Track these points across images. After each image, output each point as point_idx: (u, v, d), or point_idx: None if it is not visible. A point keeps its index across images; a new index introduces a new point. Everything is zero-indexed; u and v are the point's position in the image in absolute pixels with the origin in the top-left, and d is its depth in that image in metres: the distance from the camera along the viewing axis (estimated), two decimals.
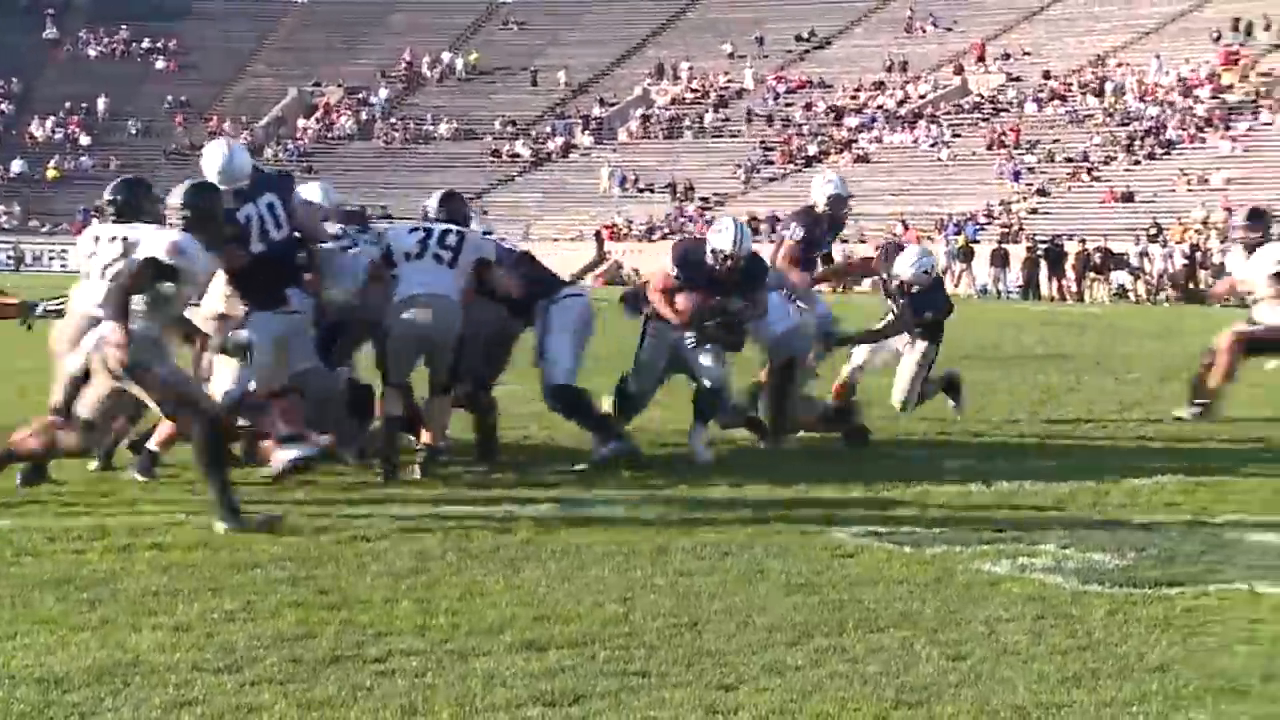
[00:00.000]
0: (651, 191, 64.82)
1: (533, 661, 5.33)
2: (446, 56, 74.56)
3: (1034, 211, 54.68)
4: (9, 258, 56.11)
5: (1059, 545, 7.62)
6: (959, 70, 63.85)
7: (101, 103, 71.97)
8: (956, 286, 49.66)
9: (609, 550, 7.28)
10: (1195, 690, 5.10)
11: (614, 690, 4.98)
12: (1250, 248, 13.03)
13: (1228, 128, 53.59)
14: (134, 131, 70.57)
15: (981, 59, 64.00)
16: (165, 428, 8.76)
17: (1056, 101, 58.96)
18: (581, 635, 5.70)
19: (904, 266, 12.10)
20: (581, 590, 6.47)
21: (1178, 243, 45.30)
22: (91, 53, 76.49)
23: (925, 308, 12.22)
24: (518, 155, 68.12)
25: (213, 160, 8.77)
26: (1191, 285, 42.17)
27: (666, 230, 64.00)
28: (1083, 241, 46.17)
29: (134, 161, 60.84)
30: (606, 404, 10.36)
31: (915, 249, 12.70)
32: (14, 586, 6.38)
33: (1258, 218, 13.24)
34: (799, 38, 70.25)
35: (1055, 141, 56.99)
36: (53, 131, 70.55)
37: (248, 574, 6.67)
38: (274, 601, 6.16)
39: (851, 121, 62.59)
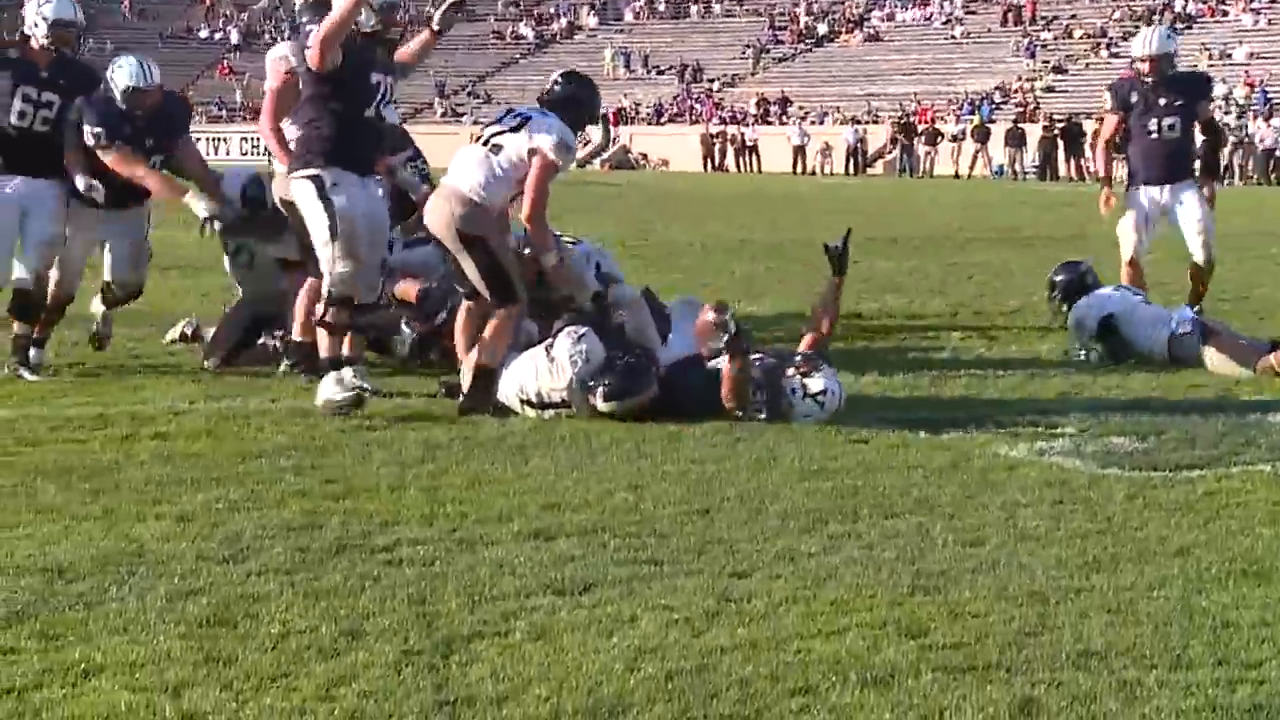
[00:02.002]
0: (659, 73, 64.33)
1: (542, 550, 5.33)
2: None
3: (1050, 89, 54.26)
4: None
5: (1077, 428, 7.60)
6: None
7: None
8: (972, 168, 49.48)
9: (618, 438, 7.28)
10: (1216, 574, 5.09)
11: (624, 579, 4.98)
12: None
13: (1250, 1, 52.94)
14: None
15: None
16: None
17: None
18: (591, 524, 5.69)
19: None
20: (590, 478, 6.47)
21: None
22: None
23: None
24: (521, 36, 67.50)
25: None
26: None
27: (674, 112, 63.76)
28: (1101, 119, 45.78)
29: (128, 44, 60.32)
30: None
31: None
32: (16, 475, 6.39)
33: None
34: None
35: (1072, 17, 56.40)
36: None
37: (252, 463, 6.67)
38: (279, 491, 6.16)
39: None
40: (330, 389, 7.78)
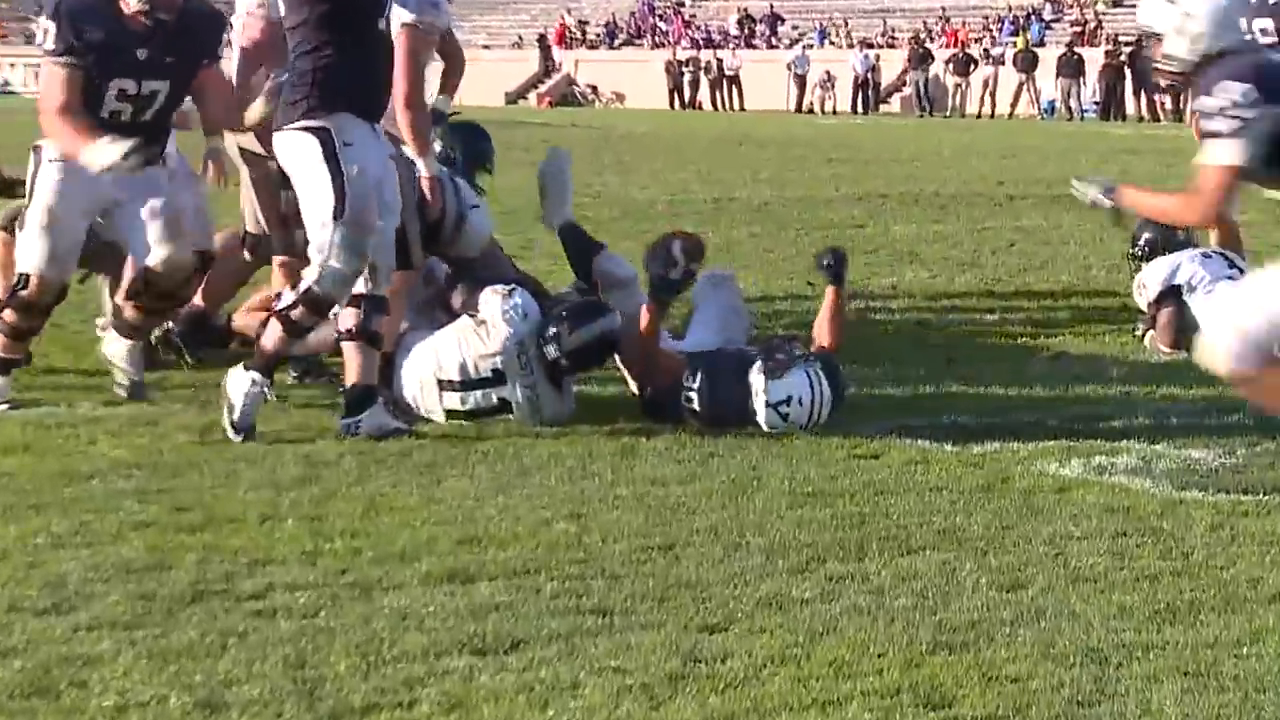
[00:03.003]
0: None
1: (458, 597, 5.32)
2: None
3: (1116, 4, 54.47)
4: None
5: (1148, 440, 7.64)
6: None
7: None
8: (1015, 104, 49.69)
9: (556, 452, 7.27)
10: None
11: (563, 633, 4.97)
12: None
13: None
14: None
15: None
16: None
17: None
18: (521, 562, 5.68)
19: None
20: (520, 504, 6.46)
21: None
22: None
23: None
24: None
25: None
26: None
27: (632, 33, 63.79)
28: None
29: None
30: None
31: None
32: None
33: None
34: None
35: None
36: None
37: (82, 486, 6.64)
38: (116, 522, 6.12)
39: None
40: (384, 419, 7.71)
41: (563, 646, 4.88)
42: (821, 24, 59.60)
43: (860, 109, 53.35)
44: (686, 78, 56.77)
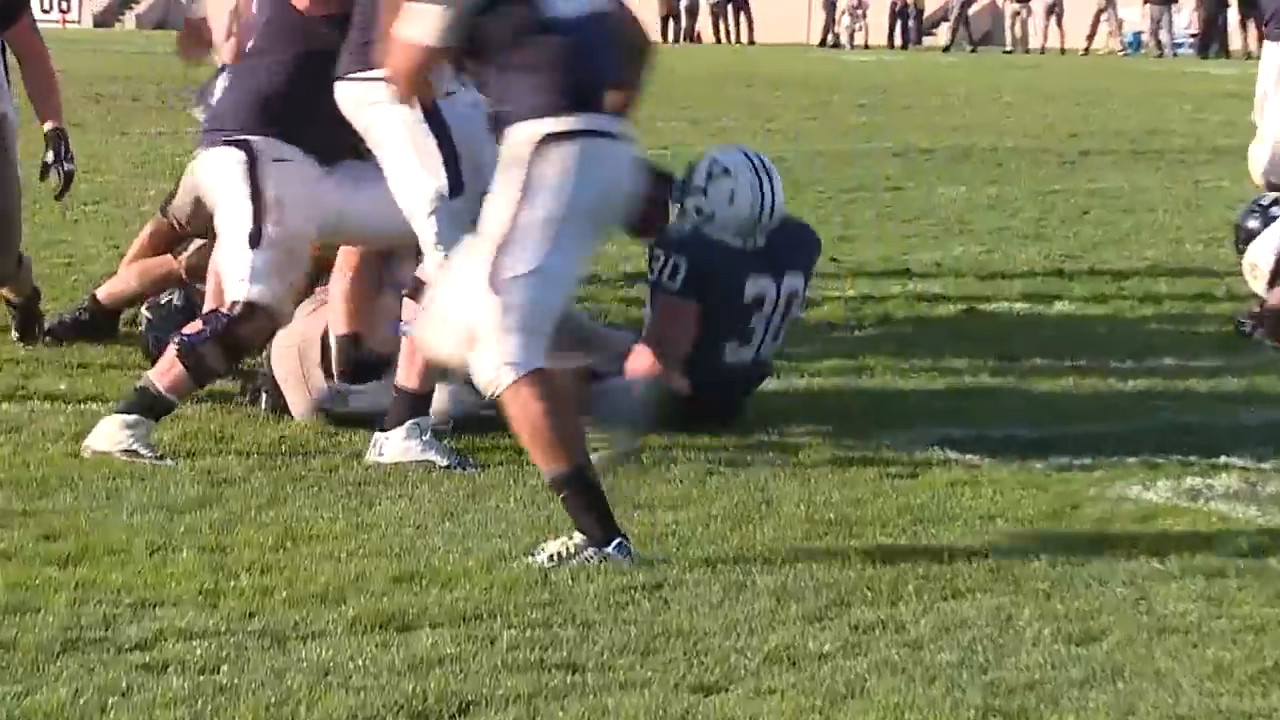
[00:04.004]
0: None
1: (393, 649, 5.32)
2: None
3: None
4: None
5: (1253, 457, 7.67)
6: None
7: None
8: (1092, 37, 49.67)
9: (516, 468, 7.24)
10: None
11: (524, 694, 4.98)
12: None
13: None
14: None
15: None
16: None
17: None
18: (472, 605, 5.69)
19: None
20: (472, 530, 6.47)
21: None
22: None
23: None
24: None
25: None
26: None
27: None
28: None
29: None
30: None
31: None
32: None
33: None
34: None
35: None
36: None
37: None
38: None
39: None
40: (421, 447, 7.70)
41: (522, 711, 4.89)
42: None
43: (898, 43, 53.37)
44: (683, 2, 56.70)
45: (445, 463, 7.38)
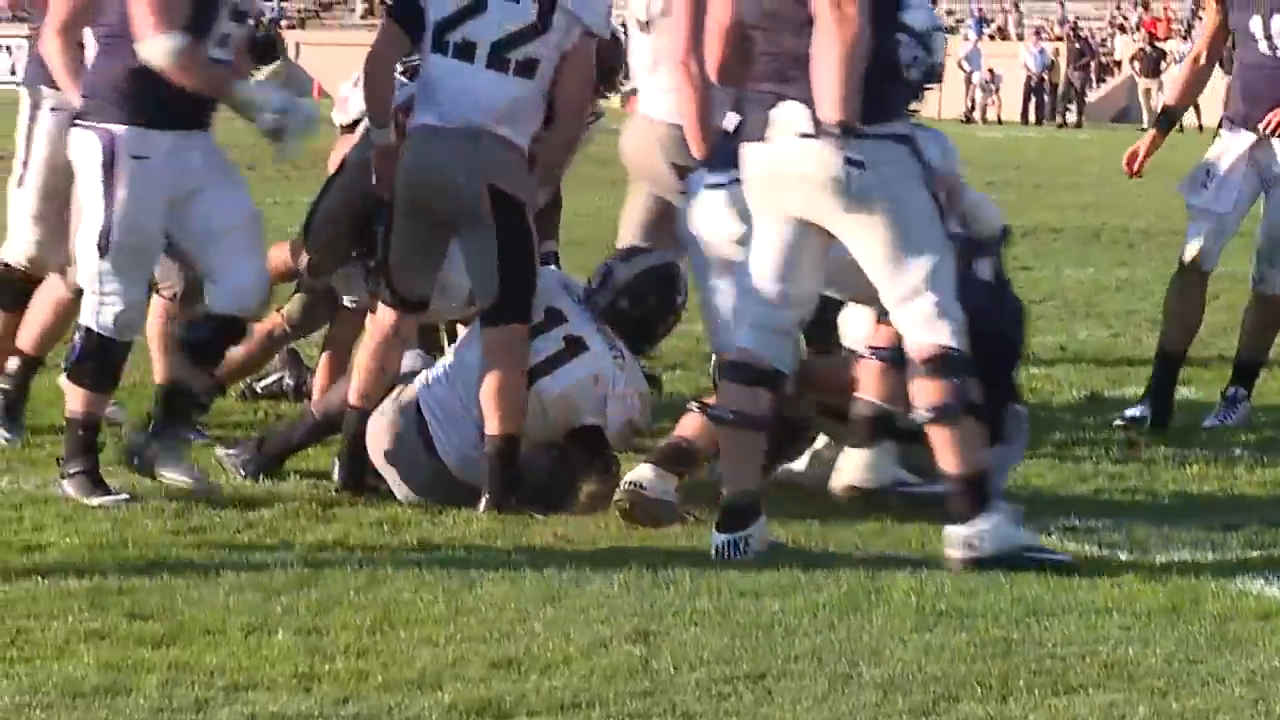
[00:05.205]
0: None
1: None
2: None
3: None
4: None
5: None
6: None
7: None
8: None
9: (620, 552, 7.28)
10: None
11: None
12: None
13: None
14: None
15: None
16: None
17: None
18: (572, 693, 5.66)
19: None
20: (574, 619, 6.45)
21: None
22: None
23: None
24: None
25: None
26: None
27: None
28: None
29: None
30: None
31: None
32: None
33: None
34: None
35: None
36: None
37: (21, 584, 6.66)
38: (61, 630, 6.14)
39: None
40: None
41: None
42: (980, 10, 59.56)
43: (1032, 118, 53.26)
44: None
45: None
